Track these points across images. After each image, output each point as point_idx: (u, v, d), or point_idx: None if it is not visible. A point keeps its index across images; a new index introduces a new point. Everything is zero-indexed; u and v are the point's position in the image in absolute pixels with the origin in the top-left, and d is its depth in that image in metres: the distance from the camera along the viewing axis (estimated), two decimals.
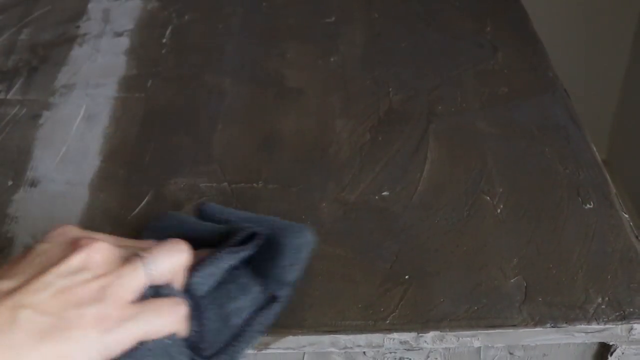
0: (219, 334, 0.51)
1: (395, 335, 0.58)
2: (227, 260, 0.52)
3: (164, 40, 0.93)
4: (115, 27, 0.96)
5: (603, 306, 0.59)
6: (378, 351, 0.60)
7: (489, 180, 0.71)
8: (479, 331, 0.58)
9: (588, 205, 0.68)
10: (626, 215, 0.67)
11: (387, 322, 0.59)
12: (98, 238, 0.52)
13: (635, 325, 0.58)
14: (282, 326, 0.58)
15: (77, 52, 0.91)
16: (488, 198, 0.69)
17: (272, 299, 0.54)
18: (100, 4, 1.01)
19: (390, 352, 0.61)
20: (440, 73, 0.86)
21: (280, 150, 0.76)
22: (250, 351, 0.58)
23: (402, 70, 0.87)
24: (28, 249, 0.51)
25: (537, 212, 0.68)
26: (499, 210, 0.68)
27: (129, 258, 0.51)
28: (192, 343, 0.50)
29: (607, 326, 0.58)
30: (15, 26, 0.96)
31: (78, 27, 0.96)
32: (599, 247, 0.64)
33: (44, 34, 0.95)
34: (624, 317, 0.58)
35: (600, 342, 0.60)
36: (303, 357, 0.61)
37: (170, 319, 0.50)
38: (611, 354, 0.60)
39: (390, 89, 0.84)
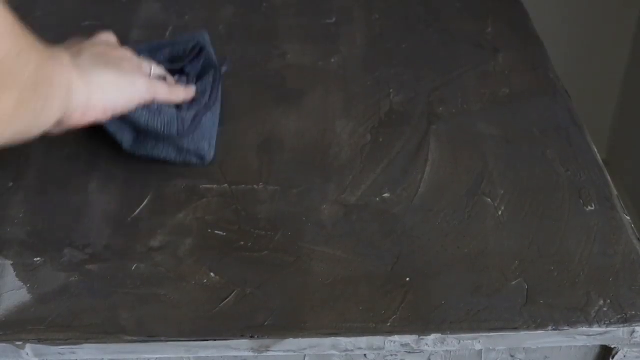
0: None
1: (396, 337, 0.58)
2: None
3: None
4: (116, 27, 0.95)
5: (605, 309, 0.59)
6: (379, 354, 0.60)
7: (490, 182, 0.71)
8: (481, 334, 0.58)
9: (589, 208, 0.68)
10: (628, 218, 0.67)
11: (388, 324, 0.58)
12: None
13: (637, 328, 0.58)
14: (283, 328, 0.58)
15: None
16: (489, 200, 0.69)
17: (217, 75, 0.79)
18: (101, 4, 1.01)
19: (392, 355, 0.60)
20: (441, 74, 0.86)
21: (281, 151, 0.75)
22: (251, 354, 0.58)
23: (403, 71, 0.87)
24: None
25: (539, 214, 0.68)
26: (500, 212, 0.68)
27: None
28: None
29: (609, 329, 0.58)
30: None
31: (79, 27, 0.96)
32: (601, 249, 0.64)
33: (45, 34, 0.94)
34: (626, 320, 0.58)
35: (602, 345, 0.60)
36: None
37: (178, 94, 0.73)
38: (613, 357, 0.60)
39: (391, 90, 0.84)
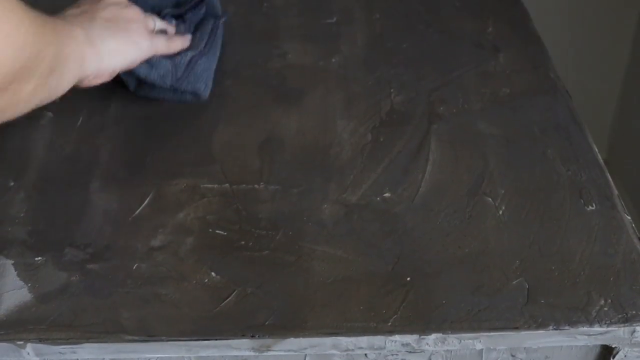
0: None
1: (397, 337, 0.58)
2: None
3: None
4: None
5: (605, 308, 0.59)
6: (380, 353, 0.60)
7: (490, 182, 0.71)
8: (481, 333, 0.58)
9: (590, 207, 0.68)
10: (628, 217, 0.67)
11: (389, 324, 0.58)
12: None
13: (637, 328, 0.58)
14: (284, 328, 0.58)
15: None
16: (490, 199, 0.69)
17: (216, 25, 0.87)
18: None
19: (392, 354, 0.61)
20: (441, 74, 0.86)
21: (282, 151, 0.75)
22: (252, 353, 0.58)
23: (404, 71, 0.87)
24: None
25: (539, 214, 0.68)
26: (500, 212, 0.68)
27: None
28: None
29: (609, 328, 0.58)
30: None
31: None
32: (601, 249, 0.64)
33: None
34: (626, 320, 0.58)
35: (602, 345, 0.60)
36: (304, 359, 0.61)
37: (175, 45, 0.81)
38: (613, 357, 0.60)
39: (392, 90, 0.84)
